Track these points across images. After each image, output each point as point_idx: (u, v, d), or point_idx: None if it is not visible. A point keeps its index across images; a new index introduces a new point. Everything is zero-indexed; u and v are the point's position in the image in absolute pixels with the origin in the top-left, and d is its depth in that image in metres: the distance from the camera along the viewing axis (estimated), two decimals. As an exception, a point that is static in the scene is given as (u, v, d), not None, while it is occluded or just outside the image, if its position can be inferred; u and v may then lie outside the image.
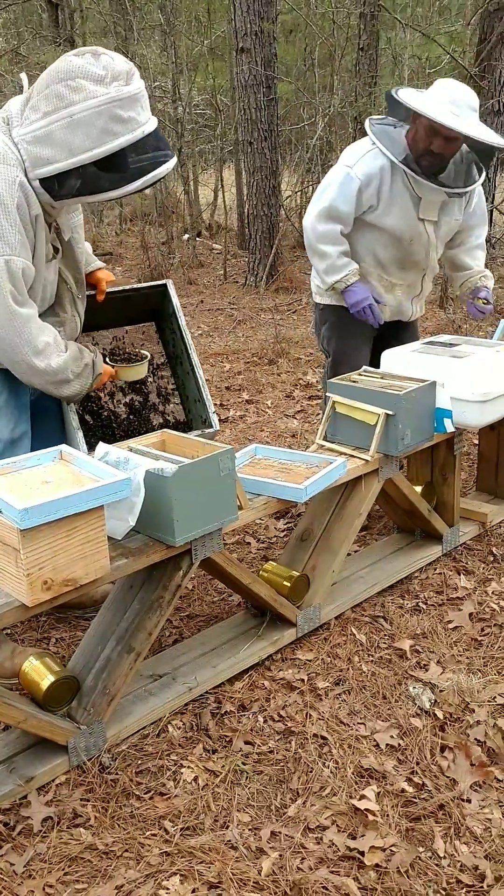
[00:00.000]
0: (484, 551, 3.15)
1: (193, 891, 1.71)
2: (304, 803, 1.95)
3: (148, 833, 1.86)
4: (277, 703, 2.29)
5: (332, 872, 1.76)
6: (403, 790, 1.99)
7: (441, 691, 2.33)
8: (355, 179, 2.98)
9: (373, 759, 2.08)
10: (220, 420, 2.78)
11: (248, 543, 3.23)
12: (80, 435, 2.47)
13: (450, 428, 2.81)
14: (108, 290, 2.62)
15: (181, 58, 10.05)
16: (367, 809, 1.91)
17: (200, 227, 11.40)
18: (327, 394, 2.77)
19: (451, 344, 3.14)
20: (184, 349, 2.76)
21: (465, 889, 1.74)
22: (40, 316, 2.25)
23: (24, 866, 1.77)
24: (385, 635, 2.61)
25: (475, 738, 2.16)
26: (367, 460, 2.61)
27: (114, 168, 2.06)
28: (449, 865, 1.79)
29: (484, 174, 3.04)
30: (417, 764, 2.08)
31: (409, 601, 2.81)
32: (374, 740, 2.15)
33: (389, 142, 2.98)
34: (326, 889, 1.72)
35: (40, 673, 2.00)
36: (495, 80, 7.63)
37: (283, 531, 3.33)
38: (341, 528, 2.65)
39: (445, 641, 2.58)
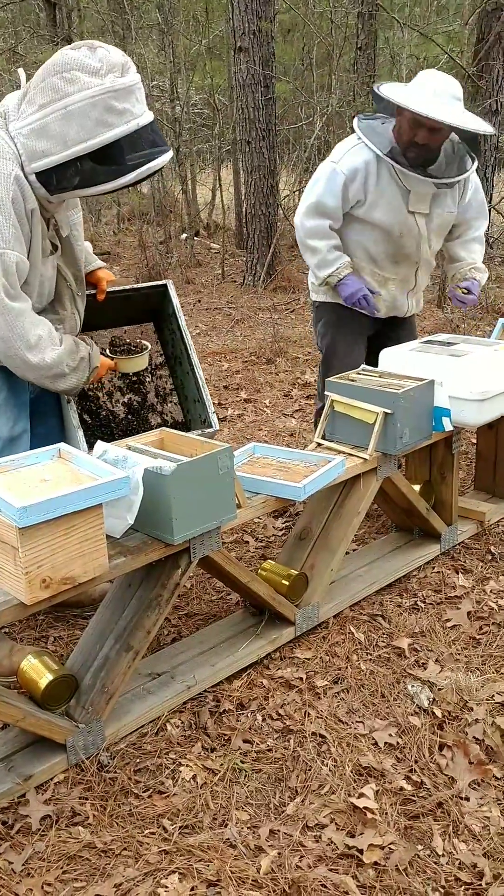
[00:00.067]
0: (482, 550, 3.15)
1: (192, 889, 1.71)
2: (302, 801, 1.95)
3: (146, 831, 1.86)
4: (276, 701, 2.29)
5: (330, 870, 1.76)
6: (402, 788, 1.99)
7: (439, 690, 2.33)
8: (340, 174, 3.00)
9: (371, 757, 2.08)
10: (218, 419, 2.78)
11: (247, 542, 3.23)
12: (80, 433, 2.47)
13: (448, 427, 2.81)
14: (108, 289, 2.62)
15: (179, 57, 10.06)
16: (365, 807, 1.91)
17: (198, 227, 11.40)
18: (325, 392, 2.77)
19: (449, 343, 3.15)
20: (183, 349, 2.76)
21: (463, 887, 1.74)
22: (40, 313, 2.25)
23: (23, 865, 1.77)
24: (383, 634, 2.62)
25: (473, 737, 2.16)
26: (365, 459, 2.61)
27: (109, 161, 2.06)
28: (447, 863, 1.80)
29: (474, 164, 3.03)
30: (416, 762, 2.08)
31: (407, 600, 2.82)
32: (373, 738, 2.15)
33: (375, 136, 2.99)
34: (325, 887, 1.73)
35: (39, 671, 2.00)
36: (493, 79, 7.63)
37: (281, 530, 3.33)
38: (340, 526, 2.65)
39: (444, 640, 2.58)
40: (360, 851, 1.81)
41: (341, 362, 3.27)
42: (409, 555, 3.01)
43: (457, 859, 1.81)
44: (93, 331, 2.75)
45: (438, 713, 2.24)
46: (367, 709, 2.27)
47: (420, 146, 2.88)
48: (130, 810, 1.92)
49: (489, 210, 8.50)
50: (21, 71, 2.20)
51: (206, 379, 2.75)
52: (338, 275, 3.09)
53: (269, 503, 2.37)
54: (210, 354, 6.11)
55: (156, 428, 2.68)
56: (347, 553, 2.96)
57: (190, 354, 2.73)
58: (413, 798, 1.97)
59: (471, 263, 3.30)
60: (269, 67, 7.99)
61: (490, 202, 8.00)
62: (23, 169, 2.06)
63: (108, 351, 2.54)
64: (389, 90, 2.94)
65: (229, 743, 2.14)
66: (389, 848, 1.82)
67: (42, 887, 1.72)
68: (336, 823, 1.89)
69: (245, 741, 2.15)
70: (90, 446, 2.41)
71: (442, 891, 1.73)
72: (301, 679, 2.37)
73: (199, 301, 8.01)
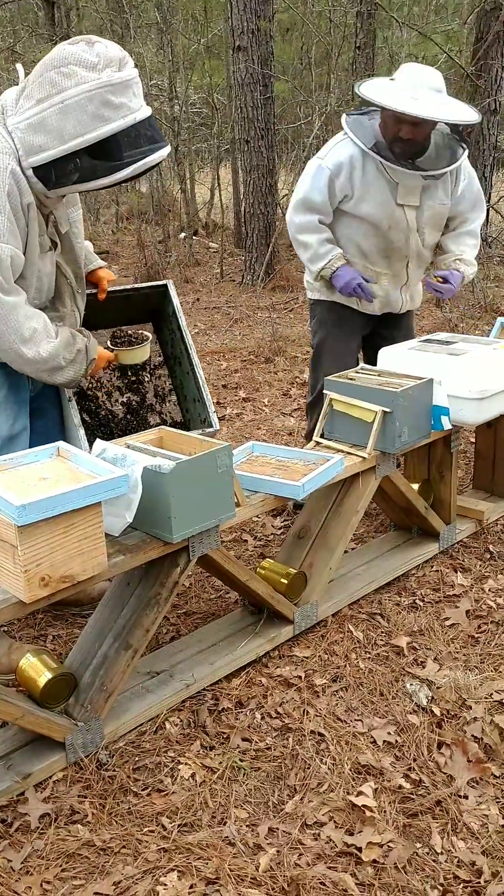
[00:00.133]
0: (480, 549, 3.15)
1: (191, 887, 1.71)
2: (301, 799, 1.96)
3: (145, 829, 1.86)
4: (275, 699, 2.29)
5: (329, 868, 1.77)
6: (400, 786, 1.99)
7: (438, 688, 2.34)
8: (325, 169, 3.02)
9: (370, 755, 2.08)
10: (217, 419, 2.79)
11: (245, 541, 3.23)
12: (81, 432, 2.47)
13: (447, 425, 2.81)
14: (108, 289, 2.62)
15: (178, 56, 10.06)
16: (364, 805, 1.92)
17: (197, 226, 11.39)
18: (324, 391, 2.77)
19: (448, 342, 3.15)
20: (183, 349, 2.76)
21: (462, 885, 1.74)
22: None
23: (22, 863, 1.77)
24: (382, 632, 2.62)
25: (472, 735, 2.16)
26: (364, 457, 2.62)
27: (106, 155, 2.06)
28: (446, 861, 1.80)
29: (464, 153, 3.01)
30: (414, 760, 2.08)
31: (406, 598, 2.82)
32: (372, 737, 2.15)
33: (360, 130, 2.99)
34: (324, 885, 1.73)
35: (38, 670, 2.00)
36: (492, 78, 7.64)
37: (280, 528, 3.33)
38: (338, 525, 2.65)
39: (442, 638, 2.59)
40: (359, 849, 1.81)
41: (331, 360, 3.28)
42: (408, 553, 3.01)
43: (455, 857, 1.81)
44: (93, 330, 2.74)
45: (437, 711, 2.25)
46: (365, 707, 2.27)
47: (405, 140, 2.89)
48: (129, 808, 1.92)
49: (488, 210, 8.52)
50: (19, 66, 2.20)
51: (204, 378, 2.75)
52: (331, 267, 3.09)
53: (267, 502, 2.37)
54: (209, 353, 6.11)
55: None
56: (346, 552, 2.96)
57: (190, 354, 2.73)
58: (412, 796, 1.97)
59: (457, 255, 3.22)
60: (267, 66, 7.99)
61: (489, 201, 8.00)
62: (20, 164, 2.06)
63: (109, 344, 2.54)
64: (368, 89, 2.94)
65: (228, 741, 2.14)
66: (388, 846, 1.82)
67: (41, 885, 1.72)
68: (335, 821, 1.89)
69: (244, 739, 2.15)
70: (89, 445, 2.41)
71: (440, 889, 1.73)
72: (300, 677, 2.38)
73: (198, 300, 8.01)
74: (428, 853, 1.82)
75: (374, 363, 3.14)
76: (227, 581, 2.46)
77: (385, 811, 1.92)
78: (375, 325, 3.36)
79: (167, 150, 2.13)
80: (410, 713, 2.24)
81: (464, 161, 3.08)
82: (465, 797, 1.97)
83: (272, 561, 2.62)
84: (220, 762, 2.06)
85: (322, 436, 2.78)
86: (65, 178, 2.08)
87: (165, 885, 1.71)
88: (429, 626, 2.65)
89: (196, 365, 2.73)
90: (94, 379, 2.75)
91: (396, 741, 2.14)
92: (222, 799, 1.96)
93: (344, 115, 3.09)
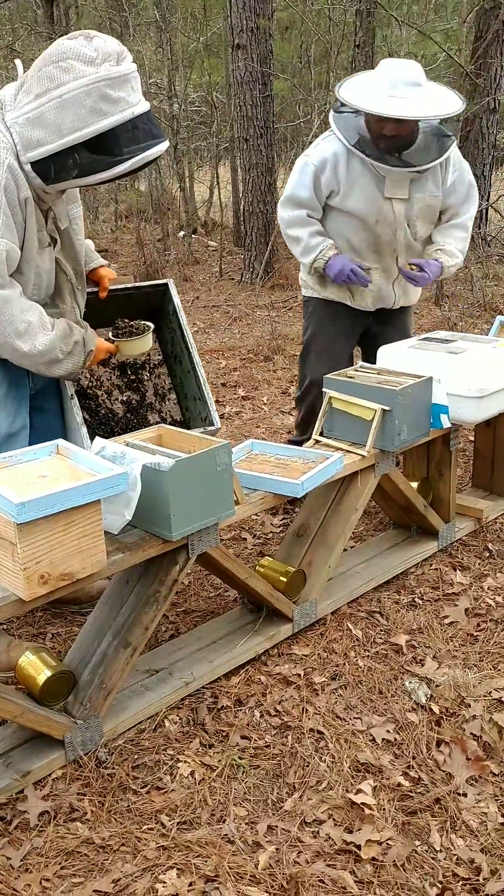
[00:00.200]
0: (479, 547, 3.15)
1: (190, 884, 1.71)
2: (300, 797, 1.96)
3: (145, 827, 1.87)
4: (274, 697, 2.29)
5: (328, 866, 1.77)
6: (400, 784, 2.00)
7: (437, 686, 2.34)
8: (310, 165, 3.05)
9: (369, 753, 2.09)
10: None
11: (245, 539, 3.23)
12: (83, 430, 2.46)
13: (446, 424, 2.81)
14: (109, 287, 2.61)
15: (177, 54, 10.04)
16: (363, 803, 1.92)
17: (196, 224, 11.39)
18: (323, 389, 2.77)
19: (447, 340, 3.15)
20: (184, 348, 2.76)
21: (461, 882, 1.74)
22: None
23: (21, 860, 1.77)
24: (381, 630, 2.62)
25: (471, 733, 2.16)
26: (363, 456, 2.62)
27: (105, 150, 2.05)
28: (445, 859, 1.80)
29: (452, 143, 3.00)
30: (413, 758, 2.08)
31: (405, 597, 2.82)
32: (371, 735, 2.16)
33: (345, 127, 3.01)
34: (323, 882, 1.73)
35: (37, 667, 2.00)
36: (491, 77, 7.64)
37: (279, 527, 3.33)
38: (337, 523, 2.65)
39: (441, 637, 2.59)
40: (358, 847, 1.81)
41: (318, 356, 3.29)
42: (407, 552, 3.01)
43: (454, 855, 1.81)
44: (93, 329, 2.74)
45: (436, 709, 2.25)
46: (364, 705, 2.27)
47: (390, 137, 2.89)
48: (128, 806, 1.92)
49: (487, 209, 8.53)
50: (18, 61, 2.19)
51: (205, 376, 2.75)
52: (322, 257, 3.10)
53: (267, 500, 2.37)
54: (208, 352, 6.11)
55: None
56: (345, 550, 2.96)
57: (191, 352, 2.73)
58: (411, 794, 1.97)
59: (439, 246, 3.16)
60: (267, 65, 7.98)
61: (488, 200, 8.00)
62: (18, 159, 2.06)
63: (110, 335, 2.54)
64: (347, 92, 2.96)
65: (227, 739, 2.14)
66: (387, 844, 1.82)
67: (40, 883, 1.72)
68: (334, 819, 1.89)
69: (243, 737, 2.15)
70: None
71: (439, 886, 1.73)
72: (299, 675, 2.38)
73: (197, 298, 8.01)
74: (427, 851, 1.82)
75: (372, 363, 3.13)
76: (227, 579, 2.46)
77: (384, 809, 1.92)
78: (370, 322, 3.36)
79: (166, 144, 2.12)
80: (409, 711, 2.24)
81: (454, 152, 3.07)
82: (464, 795, 1.97)
83: (271, 559, 2.62)
84: (220, 760, 2.06)
85: (321, 434, 2.78)
86: (63, 173, 2.07)
87: (164, 882, 1.71)
88: (428, 624, 2.65)
89: (197, 363, 2.73)
90: (93, 377, 2.75)
91: (395, 739, 2.14)
92: (221, 797, 1.96)
93: (332, 112, 3.10)
